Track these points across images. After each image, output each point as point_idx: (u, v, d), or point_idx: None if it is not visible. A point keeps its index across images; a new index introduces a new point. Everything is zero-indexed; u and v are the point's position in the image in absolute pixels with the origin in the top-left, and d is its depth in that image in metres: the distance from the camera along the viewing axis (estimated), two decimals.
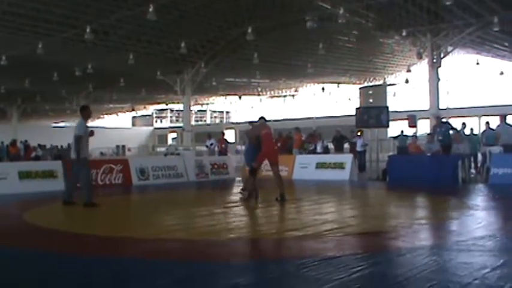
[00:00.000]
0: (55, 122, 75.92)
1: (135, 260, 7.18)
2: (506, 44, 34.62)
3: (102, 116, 75.82)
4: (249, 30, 25.73)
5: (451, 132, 21.77)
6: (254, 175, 13.71)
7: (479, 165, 23.49)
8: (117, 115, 75.19)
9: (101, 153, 49.13)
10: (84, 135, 13.12)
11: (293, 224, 10.26)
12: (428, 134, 23.04)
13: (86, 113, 13.59)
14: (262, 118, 14.57)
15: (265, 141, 13.76)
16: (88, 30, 24.96)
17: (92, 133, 13.42)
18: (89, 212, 12.61)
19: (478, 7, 25.31)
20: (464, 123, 23.12)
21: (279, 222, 11.02)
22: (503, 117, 21.64)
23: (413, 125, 25.39)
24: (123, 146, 60.25)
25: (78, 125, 13.42)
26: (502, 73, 44.35)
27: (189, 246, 8.36)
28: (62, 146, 44.89)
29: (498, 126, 21.48)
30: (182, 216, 11.83)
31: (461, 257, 7.11)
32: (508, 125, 21.50)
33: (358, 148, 24.57)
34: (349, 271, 6.35)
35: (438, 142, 21.58)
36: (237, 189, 19.90)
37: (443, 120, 22.45)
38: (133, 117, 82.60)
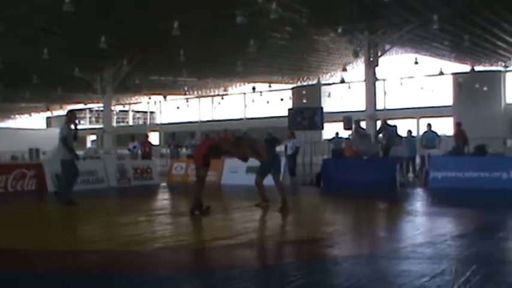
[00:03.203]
0: None
1: (49, 275, 7.02)
2: (446, 42, 35.42)
3: (13, 116, 74.05)
4: (175, 25, 25.56)
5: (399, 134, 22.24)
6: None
7: (417, 168, 24.03)
8: (30, 115, 73.48)
9: (12, 157, 47.89)
10: (68, 137, 14.67)
11: (222, 232, 10.23)
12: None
13: (72, 117, 15.43)
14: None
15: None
16: None
17: (75, 137, 15.10)
18: None
19: (417, 4, 25.78)
20: (395, 125, 23.61)
21: (208, 231, 10.96)
22: (385, 121, 22.27)
23: (348, 127, 25.69)
24: (37, 149, 58.94)
25: (62, 128, 15.15)
26: (441, 73, 45.39)
27: (109, 258, 8.23)
28: None
29: (381, 130, 22.17)
30: (103, 226, 11.65)
31: (400, 265, 7.23)
32: (391, 126, 22.15)
33: (288, 151, 24.65)
34: (282, 281, 6.37)
35: (377, 144, 21.98)
36: (162, 195, 19.81)
37: (389, 123, 22.88)
38: (48, 118, 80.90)
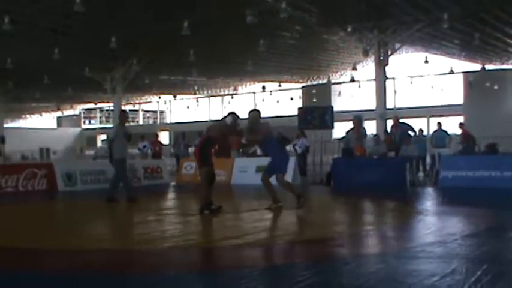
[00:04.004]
0: None
1: (57, 275, 7.02)
2: (456, 41, 35.32)
3: (24, 116, 74.31)
4: (185, 24, 25.59)
5: (411, 133, 22.16)
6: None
7: (428, 167, 23.96)
8: (41, 115, 73.79)
9: (23, 157, 48.12)
10: (116, 138, 15.27)
11: (232, 232, 10.23)
12: (374, 136, 23.34)
13: (122, 118, 16.08)
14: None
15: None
16: (6, 20, 24.31)
17: (129, 137, 15.70)
18: (8, 221, 12.34)
19: (426, 3, 25.70)
20: (407, 123, 23.57)
21: (217, 230, 10.96)
22: (397, 119, 22.20)
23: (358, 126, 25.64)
24: (48, 149, 59.24)
25: (112, 129, 16.67)
26: (451, 72, 45.30)
27: (119, 257, 8.24)
28: None
29: (393, 128, 22.14)
30: (112, 225, 11.68)
31: (410, 265, 7.19)
32: (404, 124, 22.09)
33: (298, 150, 24.60)
34: (291, 281, 6.36)
35: (384, 144, 21.93)
36: (171, 194, 19.82)
37: (401, 120, 22.79)
38: (59, 118, 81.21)
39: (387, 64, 29.91)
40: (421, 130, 24.57)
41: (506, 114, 45.06)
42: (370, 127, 32.52)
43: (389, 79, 36.49)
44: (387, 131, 24.62)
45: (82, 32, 30.02)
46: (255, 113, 13.23)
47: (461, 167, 18.93)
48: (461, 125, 24.33)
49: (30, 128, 71.89)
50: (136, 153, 31.50)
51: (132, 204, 14.91)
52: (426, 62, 39.36)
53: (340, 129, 29.39)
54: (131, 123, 72.51)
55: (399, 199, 15.77)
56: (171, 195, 19.84)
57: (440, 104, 48.32)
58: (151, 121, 76.77)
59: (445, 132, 23.96)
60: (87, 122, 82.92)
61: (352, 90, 51.96)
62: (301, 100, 56.51)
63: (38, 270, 7.30)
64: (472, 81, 47.51)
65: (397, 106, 47.92)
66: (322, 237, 9.59)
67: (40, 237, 9.94)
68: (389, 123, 29.63)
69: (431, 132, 26.39)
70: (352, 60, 42.30)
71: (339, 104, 48.76)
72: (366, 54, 31.01)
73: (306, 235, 10.21)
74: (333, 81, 52.79)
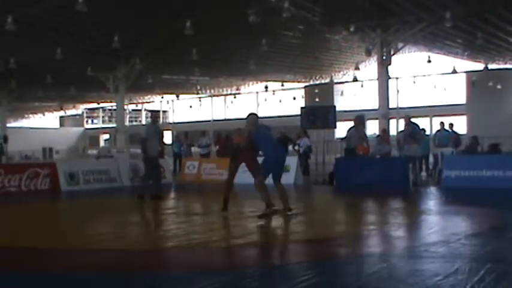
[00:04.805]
0: None
1: (61, 275, 7.03)
2: (459, 40, 35.28)
3: (27, 116, 74.39)
4: (188, 24, 25.59)
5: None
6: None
7: (430, 167, 23.93)
8: (44, 115, 73.88)
9: (25, 156, 48.09)
10: (148, 137, 15.79)
11: (235, 232, 10.24)
12: (377, 136, 23.32)
13: (154, 117, 18.00)
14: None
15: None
16: (10, 20, 24.31)
17: (161, 135, 16.74)
18: (12, 221, 12.35)
19: (429, 2, 25.67)
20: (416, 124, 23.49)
21: (220, 230, 10.96)
22: (409, 118, 22.11)
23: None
24: (51, 149, 59.21)
25: (144, 128, 17.45)
26: (454, 71, 45.24)
27: (122, 256, 8.24)
28: None
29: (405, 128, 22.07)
30: (115, 225, 11.67)
31: (413, 264, 7.20)
32: (414, 123, 22.00)
33: (300, 150, 24.56)
34: (294, 281, 6.35)
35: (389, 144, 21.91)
36: (174, 194, 19.81)
37: (412, 120, 22.69)
38: (62, 117, 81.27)
39: (390, 64, 29.84)
40: (423, 130, 24.52)
41: (509, 113, 45.01)
42: (373, 127, 32.57)
43: (392, 79, 36.40)
44: (386, 130, 24.58)
45: (85, 32, 30.04)
46: (253, 116, 12.73)
47: (464, 167, 18.87)
48: (451, 126, 24.20)
49: (32, 128, 72.00)
50: (138, 153, 31.52)
51: (156, 202, 15.28)
52: (429, 61, 39.32)
53: (342, 129, 29.42)
54: (133, 123, 72.68)
55: (402, 199, 15.78)
56: (173, 194, 19.83)
57: (443, 104, 48.28)
58: None
59: (448, 131, 23.90)
60: (89, 121, 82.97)
61: (355, 89, 51.95)
62: (303, 100, 56.47)
63: (40, 270, 7.30)
64: (475, 81, 47.46)
65: (400, 106, 47.84)
66: (325, 236, 9.59)
67: (42, 237, 9.95)
68: (392, 122, 29.71)
69: (434, 131, 26.31)
70: (354, 60, 42.28)
71: (341, 103, 48.69)
72: (368, 53, 30.96)
73: (309, 235, 10.21)
74: (335, 80, 52.74)
